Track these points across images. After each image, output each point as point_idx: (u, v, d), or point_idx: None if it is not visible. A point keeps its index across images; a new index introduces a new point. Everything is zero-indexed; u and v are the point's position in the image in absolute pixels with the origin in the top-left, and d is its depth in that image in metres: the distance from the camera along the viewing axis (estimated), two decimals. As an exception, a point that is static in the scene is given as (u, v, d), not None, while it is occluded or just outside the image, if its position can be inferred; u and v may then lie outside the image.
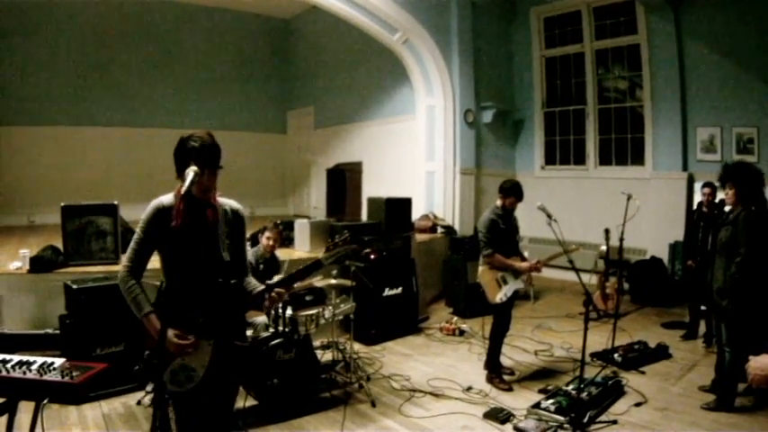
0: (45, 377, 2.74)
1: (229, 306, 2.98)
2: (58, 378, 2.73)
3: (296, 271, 3.06)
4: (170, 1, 13.81)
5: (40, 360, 2.87)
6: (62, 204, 6.26)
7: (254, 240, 6.01)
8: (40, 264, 5.94)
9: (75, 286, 5.14)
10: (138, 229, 2.92)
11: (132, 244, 2.92)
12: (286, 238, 7.87)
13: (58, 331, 5.29)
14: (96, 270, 5.96)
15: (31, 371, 2.77)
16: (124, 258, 2.95)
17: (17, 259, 6.06)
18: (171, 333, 2.75)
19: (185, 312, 2.85)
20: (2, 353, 2.96)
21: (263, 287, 3.08)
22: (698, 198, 7.41)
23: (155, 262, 2.95)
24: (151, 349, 2.82)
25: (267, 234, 5.69)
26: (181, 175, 2.82)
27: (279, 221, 6.20)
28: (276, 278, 5.57)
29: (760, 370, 2.64)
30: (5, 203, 11.90)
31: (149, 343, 2.82)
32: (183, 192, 2.72)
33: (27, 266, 5.90)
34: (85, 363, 2.95)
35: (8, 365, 2.80)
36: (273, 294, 3.00)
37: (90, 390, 2.81)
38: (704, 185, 7.02)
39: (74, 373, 2.76)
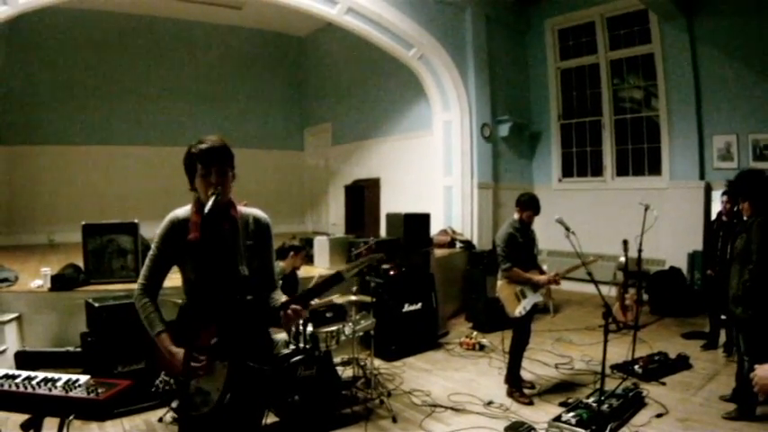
0: (71, 394, 2.77)
1: (245, 325, 2.80)
2: (84, 395, 2.76)
3: (315, 285, 2.88)
4: (187, 20, 13.97)
5: (64, 377, 2.91)
6: (83, 223, 6.35)
7: (278, 253, 5.94)
8: (61, 282, 5.99)
9: (96, 304, 5.19)
10: (153, 245, 2.83)
11: (147, 260, 2.84)
12: (306, 256, 7.86)
13: (79, 349, 5.33)
14: (117, 288, 5.99)
15: (56, 387, 2.81)
16: (140, 275, 2.86)
17: (38, 277, 6.12)
18: (180, 353, 2.63)
19: (200, 331, 2.71)
20: (24, 371, 2.99)
21: (282, 301, 2.85)
22: (716, 206, 7.36)
23: (177, 280, 2.89)
24: (165, 370, 2.75)
25: (303, 254, 5.73)
26: (193, 186, 2.78)
27: (294, 237, 6.23)
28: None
29: (766, 379, 2.60)
30: (26, 222, 12.07)
31: (161, 362, 2.75)
32: (207, 210, 2.57)
33: (48, 285, 5.96)
34: (109, 380, 2.97)
35: (33, 382, 2.84)
36: (289, 311, 2.73)
37: (114, 406, 2.83)
38: (723, 193, 7.00)
39: (99, 390, 2.80)
